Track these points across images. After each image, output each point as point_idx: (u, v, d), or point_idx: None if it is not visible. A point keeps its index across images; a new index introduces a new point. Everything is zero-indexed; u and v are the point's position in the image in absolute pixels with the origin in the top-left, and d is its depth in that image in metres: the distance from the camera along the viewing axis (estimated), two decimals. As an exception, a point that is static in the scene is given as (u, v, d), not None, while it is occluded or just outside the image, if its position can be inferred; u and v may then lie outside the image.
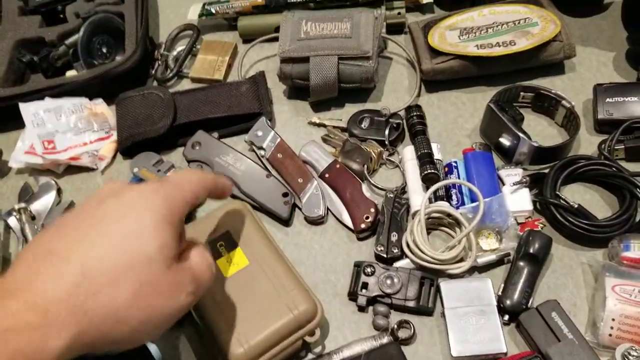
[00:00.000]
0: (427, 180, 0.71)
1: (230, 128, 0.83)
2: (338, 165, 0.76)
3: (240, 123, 0.83)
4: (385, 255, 0.68)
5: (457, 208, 0.70)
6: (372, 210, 0.71)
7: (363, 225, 0.70)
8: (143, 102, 0.83)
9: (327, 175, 0.75)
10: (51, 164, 0.81)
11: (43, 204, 0.78)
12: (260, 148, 0.79)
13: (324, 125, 0.82)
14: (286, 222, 0.74)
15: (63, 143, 0.82)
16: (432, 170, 0.70)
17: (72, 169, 0.83)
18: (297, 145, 0.80)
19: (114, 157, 0.84)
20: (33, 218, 0.76)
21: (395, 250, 0.68)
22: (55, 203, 0.78)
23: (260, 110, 0.83)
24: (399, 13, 0.90)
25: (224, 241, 0.64)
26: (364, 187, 0.73)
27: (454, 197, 0.72)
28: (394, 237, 0.69)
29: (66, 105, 0.84)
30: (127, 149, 0.82)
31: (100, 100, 0.87)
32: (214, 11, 0.94)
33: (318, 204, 0.73)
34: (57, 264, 0.42)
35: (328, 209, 0.74)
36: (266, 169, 0.78)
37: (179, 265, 0.48)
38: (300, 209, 0.74)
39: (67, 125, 0.83)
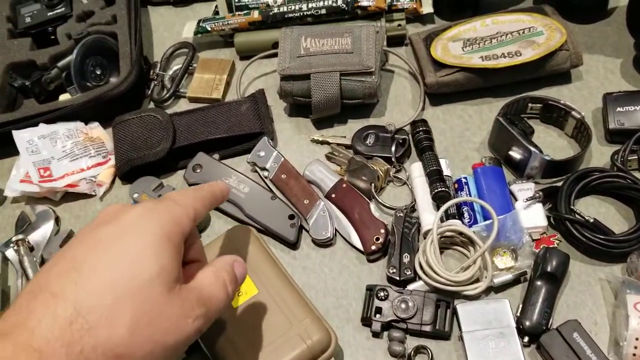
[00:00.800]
0: (438, 199, 0.69)
1: (231, 149, 0.81)
2: (344, 185, 0.73)
3: (241, 143, 0.81)
4: (398, 278, 0.66)
5: (470, 226, 0.68)
6: (382, 231, 0.69)
7: (373, 247, 0.68)
8: (140, 125, 0.81)
9: (333, 196, 0.73)
10: (48, 191, 0.79)
11: (41, 234, 0.75)
12: (264, 169, 0.77)
13: (328, 143, 0.80)
14: (293, 245, 0.72)
15: (59, 170, 0.79)
16: (443, 189, 0.68)
17: (69, 196, 0.80)
18: (301, 164, 0.78)
19: (113, 182, 0.81)
20: (31, 249, 0.74)
21: (408, 272, 0.66)
22: (53, 232, 0.76)
23: (261, 130, 0.80)
24: (400, 25, 0.88)
25: None
26: (372, 207, 0.71)
27: (465, 214, 0.70)
28: (406, 259, 0.67)
29: (61, 131, 0.81)
30: (126, 174, 0.80)
31: (96, 124, 0.85)
32: (209, 28, 0.91)
33: (326, 225, 0.71)
34: (50, 301, 0.40)
35: (336, 230, 0.72)
36: (271, 190, 0.75)
37: (184, 287, 0.45)
38: (307, 231, 0.72)
39: (62, 151, 0.80)
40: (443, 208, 0.66)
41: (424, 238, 0.69)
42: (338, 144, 0.79)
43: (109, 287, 0.41)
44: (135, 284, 0.41)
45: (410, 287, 0.65)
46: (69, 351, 0.38)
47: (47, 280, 0.42)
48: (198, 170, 0.77)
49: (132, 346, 0.40)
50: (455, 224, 0.67)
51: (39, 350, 0.38)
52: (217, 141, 0.80)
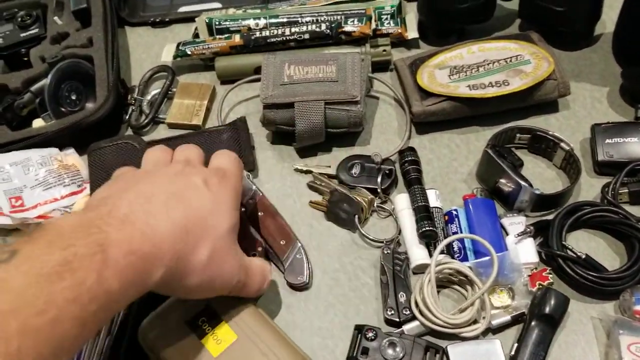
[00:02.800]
0: (425, 237, 0.67)
1: None
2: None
3: None
4: (398, 319, 0.63)
5: (461, 261, 0.66)
6: (260, 249, 0.67)
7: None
8: (116, 153, 0.78)
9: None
10: (20, 222, 0.75)
11: (11, 269, 0.71)
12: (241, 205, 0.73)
13: (311, 172, 0.78)
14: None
15: (32, 199, 0.75)
16: (429, 227, 0.67)
17: (42, 228, 0.76)
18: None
19: (88, 213, 0.78)
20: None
21: (407, 312, 0.63)
22: (24, 268, 0.72)
23: (241, 159, 0.78)
24: (385, 50, 0.86)
25: (205, 317, 0.58)
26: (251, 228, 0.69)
27: (455, 248, 0.68)
28: (402, 298, 0.64)
29: (34, 158, 0.78)
30: (101, 204, 0.76)
31: (71, 150, 0.81)
32: (189, 52, 0.89)
33: (301, 269, 0.68)
34: (164, 211, 0.50)
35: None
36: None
37: (241, 253, 0.58)
38: (282, 272, 0.69)
39: (35, 179, 0.76)
40: (439, 247, 0.64)
41: (414, 273, 0.68)
42: (321, 174, 0.77)
43: (204, 221, 0.53)
44: (219, 230, 0.54)
45: (406, 327, 0.63)
46: (173, 255, 0.49)
47: (154, 191, 0.52)
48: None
49: (204, 270, 0.52)
50: (453, 262, 0.65)
51: (156, 245, 0.48)
52: (196, 170, 0.77)
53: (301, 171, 0.79)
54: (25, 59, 0.91)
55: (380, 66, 0.88)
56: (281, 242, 0.70)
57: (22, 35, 0.92)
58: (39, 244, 0.42)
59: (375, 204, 0.74)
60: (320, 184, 0.76)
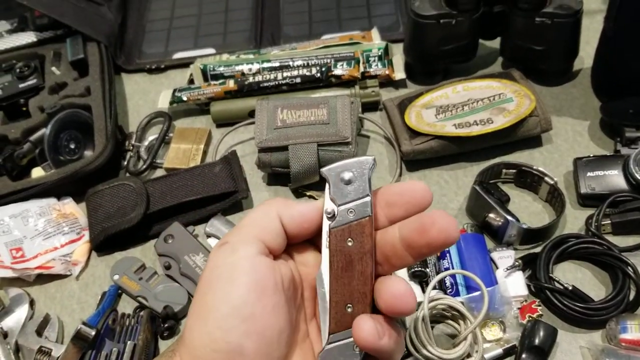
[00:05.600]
0: (415, 277, 0.70)
1: (206, 209, 0.82)
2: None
3: (215, 203, 0.82)
4: None
5: (452, 296, 0.68)
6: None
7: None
8: (114, 194, 0.80)
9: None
10: (21, 273, 0.77)
11: (15, 319, 0.73)
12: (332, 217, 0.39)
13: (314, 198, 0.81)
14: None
15: (32, 250, 0.77)
16: (420, 268, 0.69)
17: (45, 276, 0.78)
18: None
19: (88, 259, 0.80)
20: (5, 336, 0.72)
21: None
22: (28, 317, 0.73)
23: (235, 189, 0.81)
24: (373, 91, 0.89)
25: None
26: None
27: (447, 283, 0.70)
28: (395, 333, 0.66)
29: (33, 209, 0.80)
30: (101, 244, 0.79)
31: (69, 200, 0.84)
32: (185, 98, 0.92)
33: None
34: None
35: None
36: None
37: None
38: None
39: (35, 230, 0.79)
40: (432, 284, 0.66)
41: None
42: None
43: None
44: None
45: (399, 362, 0.65)
46: None
47: None
48: (170, 241, 0.77)
49: None
50: (445, 298, 0.67)
51: None
52: (191, 203, 0.81)
53: (312, 197, 0.82)
54: (24, 109, 0.93)
55: (370, 106, 0.91)
56: (347, 309, 0.39)
57: (21, 85, 0.95)
58: None
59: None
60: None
